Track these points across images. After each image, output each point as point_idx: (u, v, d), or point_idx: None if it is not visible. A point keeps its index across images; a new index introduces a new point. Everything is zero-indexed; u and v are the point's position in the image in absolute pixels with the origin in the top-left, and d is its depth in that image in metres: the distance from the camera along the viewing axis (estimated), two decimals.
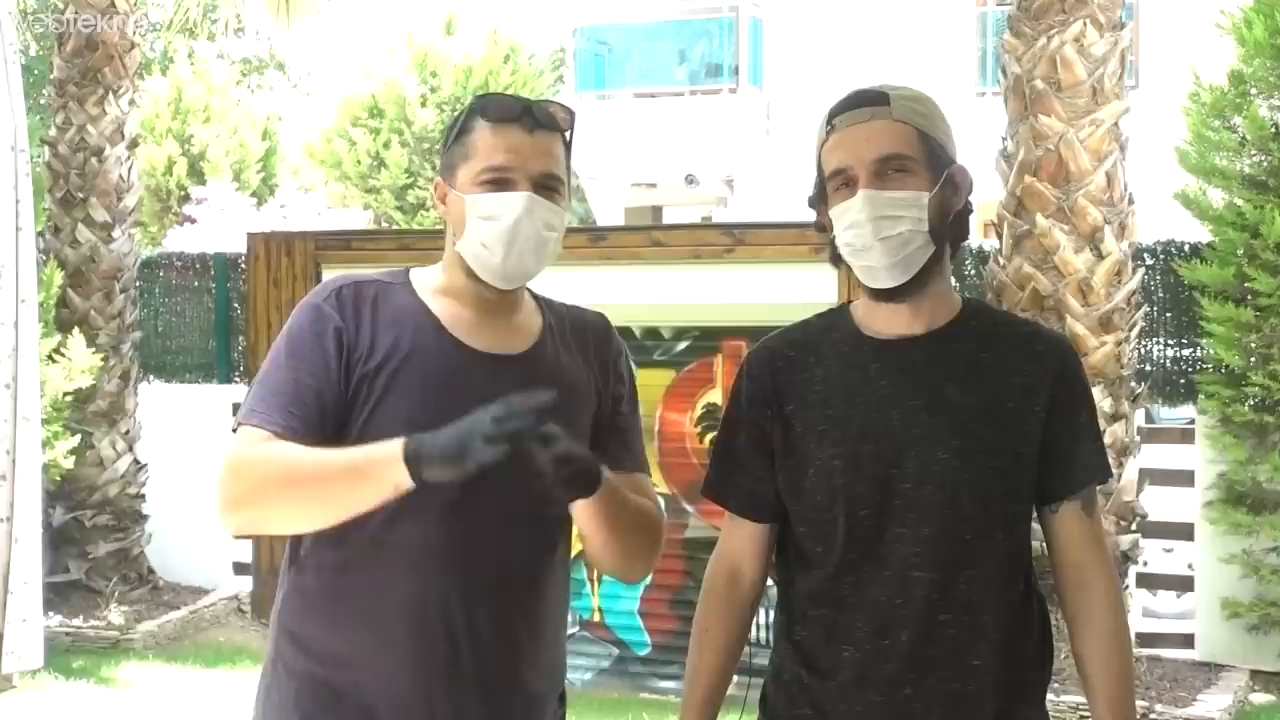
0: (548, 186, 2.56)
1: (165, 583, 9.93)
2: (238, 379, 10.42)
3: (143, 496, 9.78)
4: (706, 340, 7.99)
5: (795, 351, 2.65)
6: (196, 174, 17.84)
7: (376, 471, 2.36)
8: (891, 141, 2.51)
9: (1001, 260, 7.64)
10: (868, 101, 2.55)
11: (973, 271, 8.52)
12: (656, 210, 21.36)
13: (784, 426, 2.61)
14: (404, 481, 2.34)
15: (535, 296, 2.75)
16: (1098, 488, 2.65)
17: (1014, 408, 2.53)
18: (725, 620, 2.70)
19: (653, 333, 8.05)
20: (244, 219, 15.03)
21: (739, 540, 2.70)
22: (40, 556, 7.57)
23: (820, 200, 2.61)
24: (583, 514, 2.51)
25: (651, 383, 7.80)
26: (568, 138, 2.64)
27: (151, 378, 10.57)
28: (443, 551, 2.52)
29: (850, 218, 2.50)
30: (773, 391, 2.63)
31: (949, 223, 2.56)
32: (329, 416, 2.52)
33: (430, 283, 2.66)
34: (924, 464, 2.50)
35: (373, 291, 2.60)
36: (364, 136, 18.07)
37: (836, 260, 2.60)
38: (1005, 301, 7.46)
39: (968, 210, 2.60)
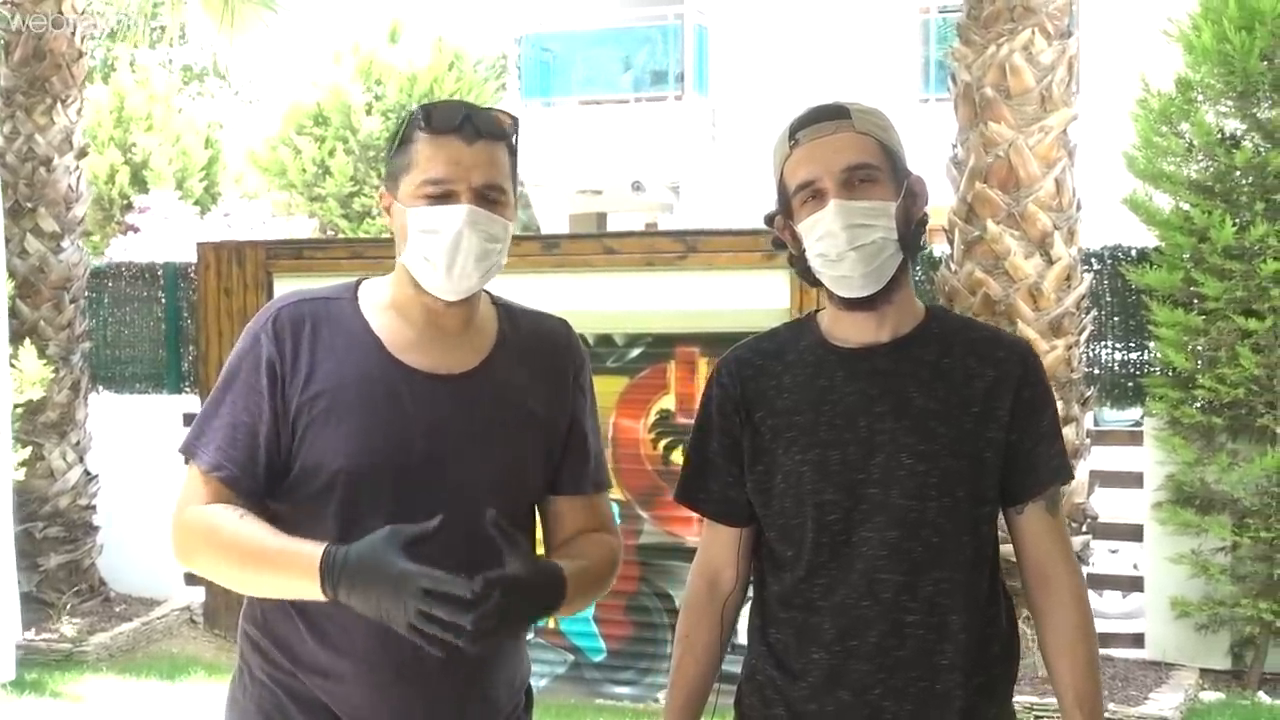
0: (490, 198, 2.52)
1: (117, 594, 9.87)
2: (188, 389, 10.36)
3: (94, 508, 9.73)
4: (659, 347, 8.03)
5: (764, 360, 2.70)
6: (139, 182, 17.71)
7: (295, 578, 2.42)
8: (858, 152, 2.56)
9: (953, 266, 7.72)
10: (828, 115, 2.60)
11: (923, 277, 8.59)
12: (601, 217, 21.37)
13: (753, 433, 2.65)
14: (318, 594, 2.40)
15: (496, 302, 2.73)
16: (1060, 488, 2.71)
17: (977, 412, 2.58)
18: (706, 625, 2.74)
19: (606, 340, 8.08)
20: (188, 227, 14.97)
21: (717, 545, 2.74)
22: (14, 569, 7.50)
23: (784, 215, 2.65)
24: None
25: (604, 390, 7.77)
26: (513, 144, 2.61)
27: (101, 388, 10.50)
28: None
29: (823, 228, 2.54)
30: (742, 399, 2.67)
31: (912, 231, 2.61)
32: (265, 450, 2.54)
33: (379, 297, 2.64)
34: (890, 468, 2.55)
35: (315, 313, 2.59)
36: (309, 144, 18.00)
37: (806, 274, 2.63)
38: (957, 306, 7.53)
39: (925, 219, 2.66)
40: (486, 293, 2.69)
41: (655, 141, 18.30)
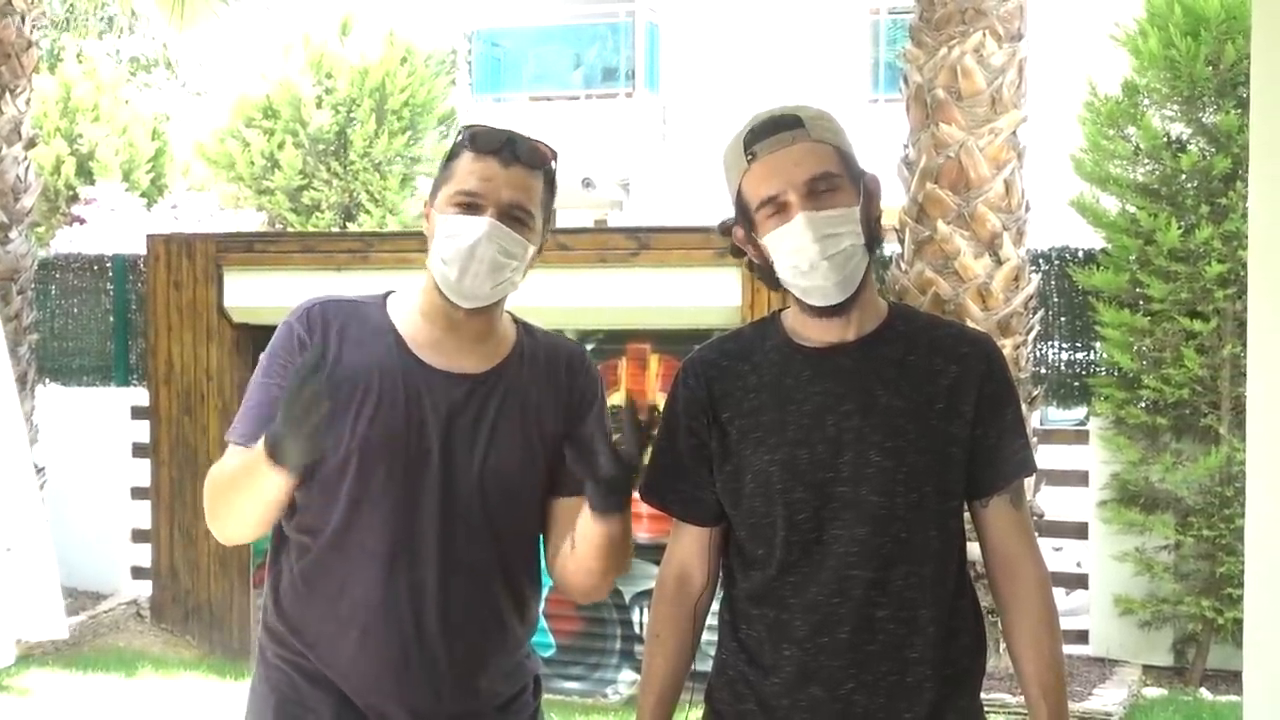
0: (515, 217, 2.67)
1: (63, 588, 9.78)
2: (135, 382, 10.30)
3: (40, 501, 9.64)
4: (611, 343, 8.05)
5: (729, 361, 2.71)
6: (85, 173, 17.55)
7: (257, 466, 2.55)
8: (818, 161, 2.57)
9: (904, 265, 7.79)
10: (783, 126, 2.59)
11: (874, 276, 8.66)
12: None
13: (720, 434, 2.67)
14: (278, 475, 2.53)
15: (518, 321, 2.85)
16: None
17: (942, 408, 2.61)
18: (676, 624, 2.76)
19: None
20: (134, 219, 14.86)
21: (686, 545, 2.76)
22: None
23: (747, 230, 2.64)
24: (598, 530, 2.60)
25: None
26: (550, 175, 2.75)
27: (48, 380, 10.43)
28: (390, 554, 2.65)
29: (793, 241, 2.54)
30: (709, 400, 2.68)
31: (873, 230, 2.63)
32: None
33: (406, 303, 2.78)
34: (859, 466, 2.57)
35: (343, 310, 2.75)
36: (258, 137, 17.86)
37: (768, 279, 2.65)
38: None
39: (880, 216, 2.68)
40: (510, 314, 2.83)
41: (606, 138, 18.30)
